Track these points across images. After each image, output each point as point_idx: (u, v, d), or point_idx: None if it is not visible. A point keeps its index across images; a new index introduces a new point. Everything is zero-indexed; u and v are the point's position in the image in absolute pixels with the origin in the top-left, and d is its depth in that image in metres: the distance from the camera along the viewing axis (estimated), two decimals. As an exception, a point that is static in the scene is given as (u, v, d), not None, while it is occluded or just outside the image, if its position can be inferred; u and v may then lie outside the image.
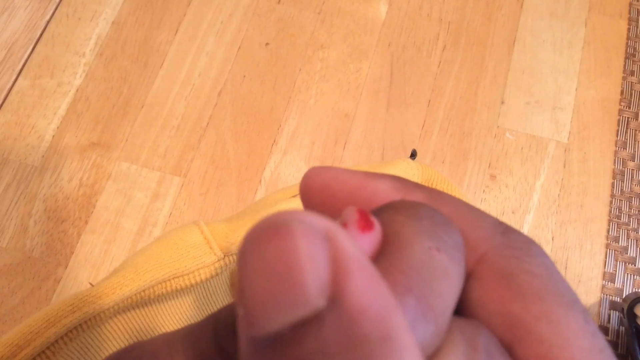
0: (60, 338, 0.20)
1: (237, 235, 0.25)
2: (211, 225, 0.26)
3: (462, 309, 0.11)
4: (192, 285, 0.25)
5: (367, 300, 0.08)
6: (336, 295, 0.08)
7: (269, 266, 0.08)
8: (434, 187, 0.29)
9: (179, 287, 0.24)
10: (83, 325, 0.22)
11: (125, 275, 0.23)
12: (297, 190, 0.27)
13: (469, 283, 0.11)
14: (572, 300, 0.11)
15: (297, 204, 0.26)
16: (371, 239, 0.10)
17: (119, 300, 0.22)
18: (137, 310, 0.24)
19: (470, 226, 0.11)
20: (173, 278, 0.24)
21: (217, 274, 0.25)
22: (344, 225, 0.10)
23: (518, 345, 0.10)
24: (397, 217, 0.11)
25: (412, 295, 0.09)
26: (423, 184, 0.29)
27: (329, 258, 0.08)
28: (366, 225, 0.10)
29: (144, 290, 0.23)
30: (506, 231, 0.11)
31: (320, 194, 0.13)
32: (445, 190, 0.29)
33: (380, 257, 0.10)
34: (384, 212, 0.11)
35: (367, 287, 0.08)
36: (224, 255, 0.25)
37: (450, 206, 0.12)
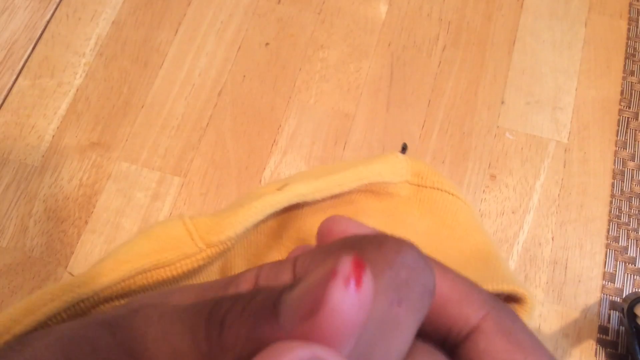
0: (40, 326, 0.21)
1: (219, 227, 0.25)
2: (195, 219, 0.26)
3: (471, 357, 0.14)
4: (175, 277, 0.25)
5: None
6: None
7: None
8: (423, 180, 0.29)
9: (161, 279, 0.24)
10: (62, 314, 0.22)
11: (105, 265, 0.23)
12: (281, 184, 0.27)
13: (475, 336, 0.14)
14: (551, 354, 0.14)
15: (281, 197, 0.25)
16: (360, 298, 0.10)
17: (99, 290, 0.22)
18: (120, 301, 0.24)
19: (474, 291, 0.14)
20: (154, 269, 0.24)
21: (200, 267, 0.25)
22: (333, 273, 0.10)
23: None
24: (375, 265, 0.12)
25: None
26: (412, 177, 0.29)
27: None
28: (357, 281, 0.10)
29: (124, 281, 0.23)
30: (496, 299, 0.14)
31: (339, 237, 0.14)
32: (436, 184, 0.29)
33: None
34: (368, 251, 0.12)
35: None
36: (206, 247, 0.25)
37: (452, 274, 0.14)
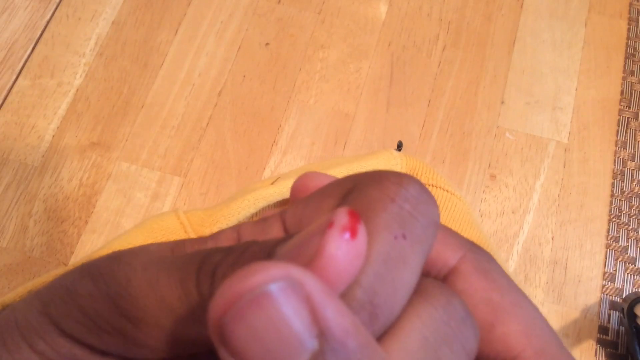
0: None
1: (212, 219, 0.26)
2: (189, 212, 0.26)
3: None
4: None
5: (344, 324, 0.09)
6: (322, 332, 0.09)
7: (263, 335, 0.09)
8: (418, 177, 0.30)
9: None
10: None
11: (100, 254, 0.23)
12: (274, 179, 0.27)
13: (453, 276, 0.14)
14: (525, 294, 0.14)
15: (274, 190, 0.26)
16: (356, 248, 0.10)
17: None
18: None
19: (450, 235, 0.14)
20: None
21: None
22: (330, 224, 0.10)
23: (500, 324, 0.13)
24: (378, 200, 0.12)
25: (365, 310, 0.11)
26: (407, 173, 0.29)
27: (306, 303, 0.09)
28: (352, 231, 0.10)
29: None
30: (472, 242, 0.14)
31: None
32: (430, 181, 0.29)
33: None
34: (370, 187, 0.12)
35: (340, 316, 0.09)
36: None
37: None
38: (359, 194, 0.12)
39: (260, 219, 0.14)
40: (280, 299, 0.09)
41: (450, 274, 0.14)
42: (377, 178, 0.12)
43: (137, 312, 0.12)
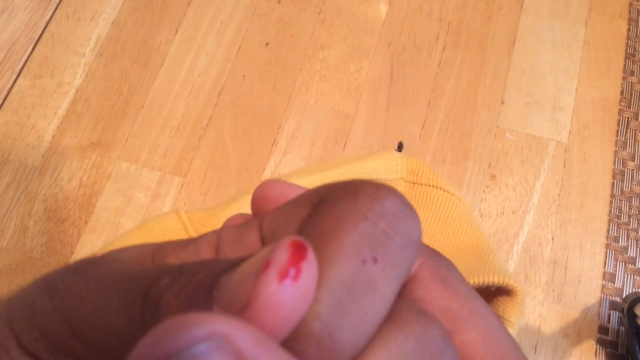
0: None
1: (214, 219, 0.26)
2: (190, 212, 0.26)
3: None
4: None
5: None
6: None
7: None
8: (418, 177, 0.30)
9: None
10: None
11: None
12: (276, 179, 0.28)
13: (411, 284, 0.13)
14: (485, 302, 0.14)
15: None
16: (298, 290, 0.09)
17: None
18: None
19: None
20: None
21: None
22: (266, 265, 0.09)
23: (459, 333, 0.13)
24: (348, 216, 0.11)
25: (322, 346, 0.10)
26: (407, 174, 0.29)
27: None
28: (295, 271, 0.09)
29: None
30: (432, 249, 0.14)
31: (274, 202, 0.13)
32: (431, 181, 0.29)
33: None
34: (342, 200, 0.11)
35: None
36: None
37: None
38: (329, 207, 0.11)
39: (241, 223, 0.13)
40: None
41: (409, 281, 0.13)
42: (351, 189, 0.11)
43: (89, 335, 0.11)
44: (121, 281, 0.11)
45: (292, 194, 0.13)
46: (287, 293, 0.09)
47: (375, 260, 0.10)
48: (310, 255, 0.10)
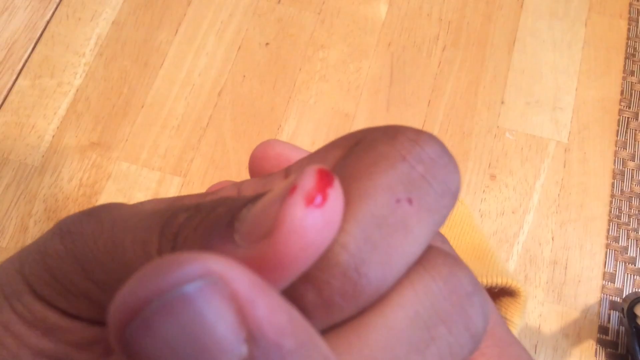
0: None
1: None
2: None
3: None
4: None
5: (278, 322, 0.08)
6: (251, 334, 0.08)
7: (178, 346, 0.07)
8: None
9: None
10: None
11: None
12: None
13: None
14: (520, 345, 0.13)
15: None
16: (324, 216, 0.09)
17: None
18: None
19: None
20: None
21: None
22: (292, 189, 0.09)
23: None
24: (386, 156, 0.10)
25: (348, 278, 0.09)
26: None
27: (231, 303, 0.08)
28: (322, 197, 0.09)
29: None
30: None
31: (275, 161, 0.13)
32: None
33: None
34: (380, 141, 0.11)
35: (274, 313, 0.08)
36: None
37: None
38: (366, 147, 0.11)
39: (228, 186, 0.13)
40: (198, 302, 0.07)
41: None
42: (391, 132, 0.11)
43: (102, 276, 0.11)
44: (136, 220, 0.11)
45: (294, 155, 0.12)
46: (313, 218, 0.09)
47: (410, 201, 0.10)
48: (337, 183, 0.09)
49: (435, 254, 0.11)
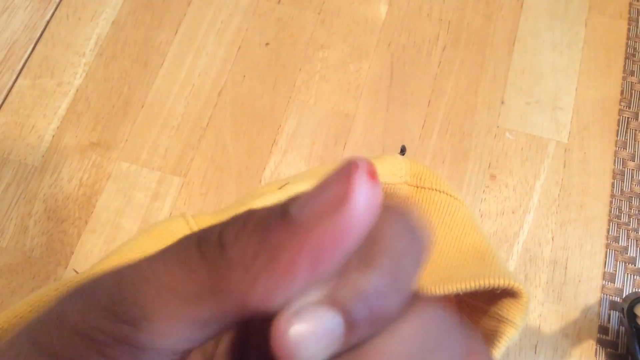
0: None
1: None
2: (197, 217, 0.26)
3: None
4: None
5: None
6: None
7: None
8: (422, 181, 0.30)
9: None
10: None
11: (109, 262, 0.23)
12: (282, 183, 0.27)
13: None
14: None
15: (282, 195, 0.26)
16: (378, 190, 0.10)
17: None
18: None
19: None
20: None
21: None
22: (355, 166, 0.10)
23: None
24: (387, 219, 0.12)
25: (385, 274, 0.11)
26: (411, 178, 0.30)
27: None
28: (371, 172, 0.11)
29: None
30: None
31: None
32: (434, 185, 0.29)
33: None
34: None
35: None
36: None
37: None
38: None
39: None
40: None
41: None
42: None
43: (135, 311, 0.11)
44: (161, 252, 0.11)
45: None
46: (375, 187, 0.10)
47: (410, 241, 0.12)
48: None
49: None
